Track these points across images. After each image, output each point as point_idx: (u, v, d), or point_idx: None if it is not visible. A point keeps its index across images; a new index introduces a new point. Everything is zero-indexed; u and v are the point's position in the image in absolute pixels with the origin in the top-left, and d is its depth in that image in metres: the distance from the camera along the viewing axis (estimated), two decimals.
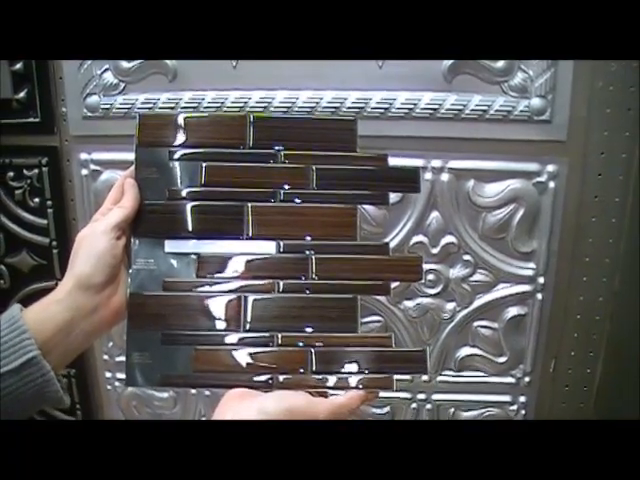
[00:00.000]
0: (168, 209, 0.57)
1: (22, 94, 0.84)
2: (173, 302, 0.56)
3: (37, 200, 0.89)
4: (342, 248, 0.56)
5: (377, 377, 0.53)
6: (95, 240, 0.54)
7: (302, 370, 0.54)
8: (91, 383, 0.96)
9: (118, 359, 0.93)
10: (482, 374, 0.87)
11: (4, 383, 0.47)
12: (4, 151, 0.87)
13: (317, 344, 0.54)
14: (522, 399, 0.88)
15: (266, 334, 0.55)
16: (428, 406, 0.89)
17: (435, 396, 0.89)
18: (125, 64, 0.80)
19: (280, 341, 0.54)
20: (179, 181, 0.57)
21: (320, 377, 0.53)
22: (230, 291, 0.56)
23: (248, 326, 0.55)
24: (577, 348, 0.85)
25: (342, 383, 0.53)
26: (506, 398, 0.88)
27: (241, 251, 0.56)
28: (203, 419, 0.94)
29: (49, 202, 0.89)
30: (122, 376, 0.94)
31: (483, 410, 0.88)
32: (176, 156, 0.57)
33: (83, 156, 0.86)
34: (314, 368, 0.53)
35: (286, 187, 0.57)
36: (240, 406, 0.49)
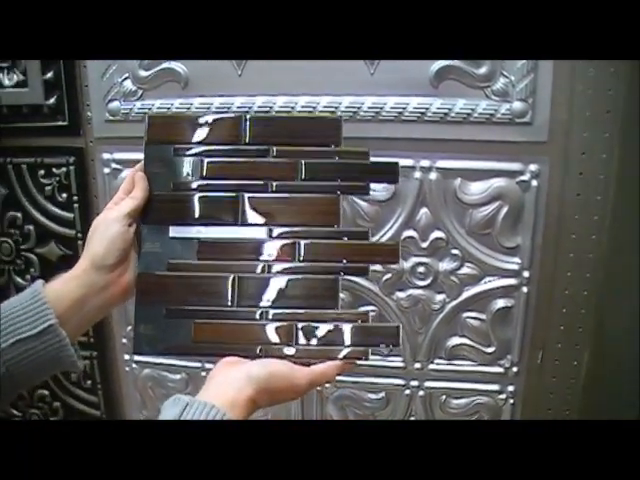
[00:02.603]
0: (173, 199, 0.65)
1: (52, 100, 0.93)
2: (176, 281, 0.63)
3: (64, 196, 0.98)
4: (325, 234, 0.63)
5: (355, 349, 0.60)
6: (109, 226, 0.61)
7: (289, 342, 0.60)
8: (111, 365, 1.04)
9: None
10: (471, 363, 0.91)
11: (26, 346, 0.55)
12: (36, 151, 0.97)
13: (302, 319, 0.61)
14: (510, 388, 0.91)
15: (257, 310, 0.62)
16: (421, 393, 0.94)
17: (427, 383, 0.93)
18: (143, 73, 0.88)
19: (270, 316, 0.61)
20: (182, 174, 0.65)
21: (304, 348, 0.60)
22: (226, 271, 0.63)
23: (242, 302, 0.62)
24: (563, 340, 0.89)
25: (324, 354, 0.59)
26: (495, 387, 0.92)
27: (236, 236, 0.63)
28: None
29: (75, 197, 0.97)
30: (139, 358, 1.03)
31: (473, 398, 0.93)
32: (180, 152, 0.65)
33: (105, 156, 0.94)
34: (299, 340, 0.60)
35: (277, 179, 0.63)
36: (230, 370, 0.55)
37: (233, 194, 0.64)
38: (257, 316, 0.61)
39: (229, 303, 0.62)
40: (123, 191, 0.65)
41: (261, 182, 0.64)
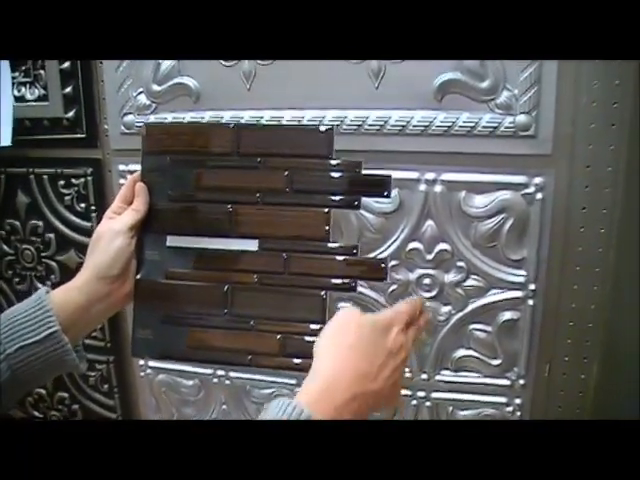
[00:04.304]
0: (169, 210, 0.67)
1: (71, 113, 0.97)
2: (173, 289, 0.66)
3: (83, 205, 1.01)
4: (315, 248, 0.64)
5: None
6: (114, 238, 0.64)
7: (277, 353, 0.62)
8: (127, 370, 1.07)
9: None
10: (478, 375, 0.91)
11: (30, 352, 0.58)
12: (56, 162, 1.00)
13: (290, 332, 0.62)
14: (517, 401, 0.91)
15: (246, 320, 0.63)
16: (427, 404, 0.94)
17: (434, 394, 0.93)
18: (156, 87, 0.91)
19: (258, 327, 0.63)
20: (178, 184, 0.67)
21: (290, 360, 0.62)
22: (221, 281, 0.65)
23: (234, 312, 0.64)
24: (571, 354, 0.88)
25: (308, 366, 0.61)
26: (502, 399, 0.91)
27: (229, 247, 0.65)
28: (223, 407, 1.03)
29: (93, 207, 1.01)
30: (154, 364, 1.05)
31: (480, 410, 0.92)
32: (175, 163, 0.67)
33: (121, 167, 0.97)
34: (285, 351, 0.61)
35: (268, 191, 0.64)
36: None
37: (225, 206, 0.66)
38: (248, 326, 0.63)
39: (223, 312, 0.64)
40: (121, 199, 0.67)
41: (253, 194, 0.65)
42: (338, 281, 0.63)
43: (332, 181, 0.64)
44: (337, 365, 0.51)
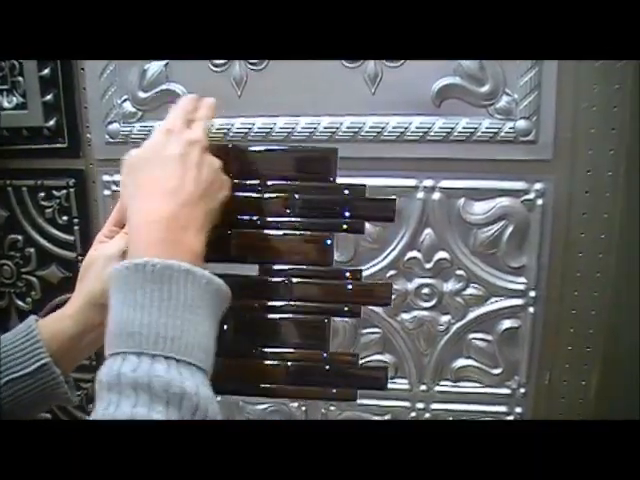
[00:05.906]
0: None
1: (52, 122, 0.93)
2: None
3: (65, 218, 0.97)
4: (317, 273, 0.60)
5: (342, 390, 0.59)
6: (106, 263, 0.59)
7: (279, 381, 0.59)
8: None
9: None
10: (478, 385, 0.90)
11: (20, 385, 0.54)
12: (36, 174, 0.96)
13: (291, 359, 0.59)
14: (518, 410, 0.90)
15: (246, 347, 0.60)
16: (427, 415, 0.92)
17: (434, 405, 0.92)
18: (142, 94, 0.88)
19: (261, 354, 0.60)
20: None
21: (294, 388, 0.59)
22: None
23: (235, 339, 0.61)
24: (571, 361, 0.87)
25: (312, 394, 0.58)
26: (502, 409, 0.90)
27: (228, 272, 0.62)
28: None
29: (76, 220, 0.97)
30: None
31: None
32: None
33: (106, 178, 0.94)
34: (289, 380, 0.59)
35: (269, 215, 0.60)
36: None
37: (224, 230, 0.62)
38: (246, 355, 0.60)
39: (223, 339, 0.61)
40: (112, 222, 0.63)
41: (253, 218, 0.61)
42: (342, 307, 0.60)
43: (335, 205, 0.60)
44: (138, 207, 0.51)
